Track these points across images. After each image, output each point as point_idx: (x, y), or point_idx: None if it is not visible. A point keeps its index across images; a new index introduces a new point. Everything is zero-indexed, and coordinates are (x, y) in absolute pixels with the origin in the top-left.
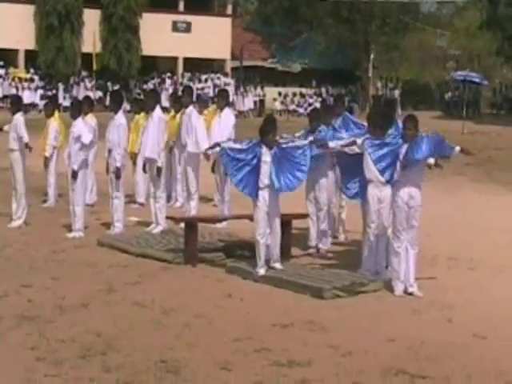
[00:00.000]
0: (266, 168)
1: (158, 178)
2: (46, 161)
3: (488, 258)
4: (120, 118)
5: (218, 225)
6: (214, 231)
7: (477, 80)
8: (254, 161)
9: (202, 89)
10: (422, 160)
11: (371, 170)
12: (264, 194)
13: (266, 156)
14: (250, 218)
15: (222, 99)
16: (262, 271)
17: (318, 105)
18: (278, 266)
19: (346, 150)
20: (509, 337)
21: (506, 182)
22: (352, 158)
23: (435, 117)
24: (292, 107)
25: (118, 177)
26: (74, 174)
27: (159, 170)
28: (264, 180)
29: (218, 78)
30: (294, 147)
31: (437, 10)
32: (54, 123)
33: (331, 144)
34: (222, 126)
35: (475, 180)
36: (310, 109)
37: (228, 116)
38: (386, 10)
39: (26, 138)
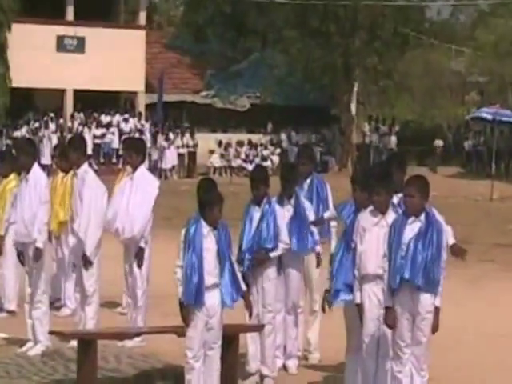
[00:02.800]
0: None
1: (38, 273)
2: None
3: None
4: None
5: (129, 342)
6: (121, 352)
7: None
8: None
9: (102, 136)
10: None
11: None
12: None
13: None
14: (178, 331)
15: (134, 153)
16: None
17: (274, 159)
18: None
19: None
20: None
21: None
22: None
23: (450, 175)
24: (237, 163)
25: None
26: None
27: (38, 254)
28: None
29: (126, 121)
30: None
31: (451, 17)
32: None
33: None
34: (139, 196)
35: (508, 269)
36: (266, 164)
37: (146, 179)
38: (376, 18)
39: None
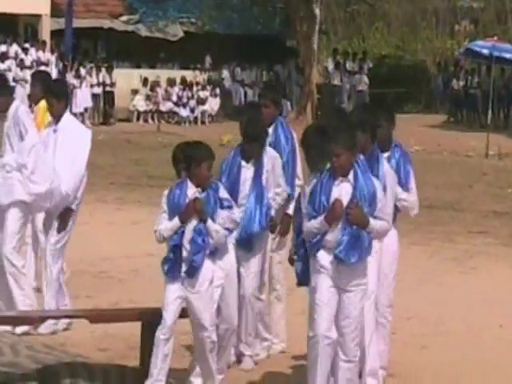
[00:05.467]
0: None
1: None
2: None
3: None
4: None
5: (34, 329)
6: (21, 342)
7: None
8: None
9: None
10: None
11: None
12: None
13: None
14: (90, 316)
15: (54, 98)
16: None
17: (213, 102)
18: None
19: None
20: None
21: None
22: None
23: (436, 125)
24: (167, 106)
25: None
26: None
27: None
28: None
29: (26, 52)
30: None
31: None
32: None
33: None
34: (67, 151)
35: (506, 243)
36: (203, 109)
37: (73, 130)
38: None
39: None
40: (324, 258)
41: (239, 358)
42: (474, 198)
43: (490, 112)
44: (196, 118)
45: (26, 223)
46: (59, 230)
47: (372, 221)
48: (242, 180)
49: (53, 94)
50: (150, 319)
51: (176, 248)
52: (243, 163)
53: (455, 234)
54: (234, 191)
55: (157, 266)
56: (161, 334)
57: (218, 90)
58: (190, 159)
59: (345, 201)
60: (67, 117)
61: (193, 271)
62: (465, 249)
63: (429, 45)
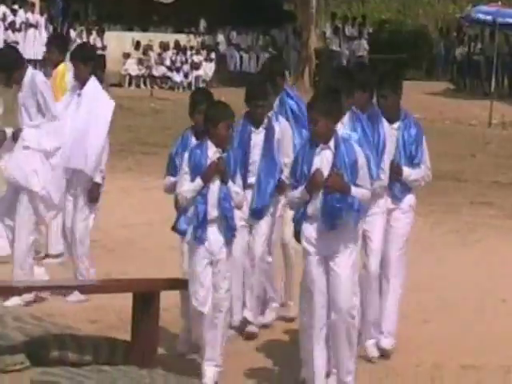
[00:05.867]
0: None
1: None
2: None
3: None
4: None
5: (15, 299)
6: (8, 313)
7: None
8: None
9: None
10: None
11: None
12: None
13: None
14: (83, 287)
15: (81, 62)
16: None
17: (208, 67)
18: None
19: None
20: None
21: None
22: None
23: (437, 92)
24: (160, 71)
25: None
26: None
27: None
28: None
29: (15, 13)
30: None
31: None
32: None
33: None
34: (90, 117)
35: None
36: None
37: (97, 97)
38: None
39: None
40: (308, 229)
41: (243, 324)
42: (476, 168)
43: (493, 79)
44: (190, 83)
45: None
46: (90, 206)
47: (353, 188)
48: (252, 145)
49: (80, 57)
50: (143, 290)
51: (200, 211)
52: (253, 129)
53: (457, 206)
54: (244, 158)
55: (150, 236)
56: (198, 304)
57: (212, 55)
58: (207, 119)
59: (326, 169)
60: (92, 82)
61: (231, 237)
62: (467, 221)
63: (430, 9)
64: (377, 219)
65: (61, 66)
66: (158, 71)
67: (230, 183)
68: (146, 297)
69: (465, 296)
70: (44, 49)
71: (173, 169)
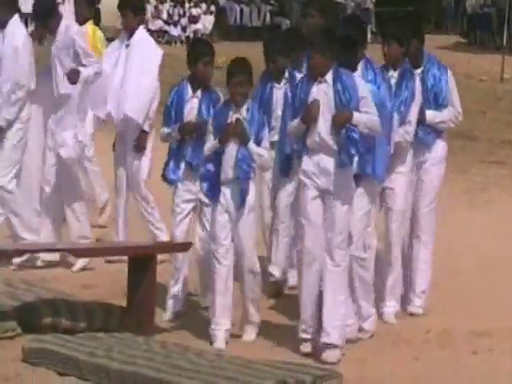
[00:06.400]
0: None
1: None
2: None
3: None
4: None
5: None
6: None
7: None
8: None
9: None
10: None
11: None
12: None
13: None
14: (75, 250)
15: (131, 11)
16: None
17: (207, 20)
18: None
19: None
20: None
21: None
22: None
23: (447, 46)
24: (157, 25)
25: None
26: None
27: None
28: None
29: None
30: None
31: None
32: None
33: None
34: (139, 67)
35: None
36: (195, 27)
37: (146, 47)
38: None
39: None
40: (307, 162)
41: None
42: (487, 125)
43: (505, 32)
44: (188, 37)
45: None
46: (138, 154)
47: (357, 114)
48: (274, 100)
49: (130, 6)
50: (139, 254)
51: (215, 171)
52: (275, 84)
53: (467, 165)
54: (267, 114)
55: None
56: (217, 263)
57: (212, 8)
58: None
59: (323, 101)
60: (141, 32)
61: (242, 199)
62: (477, 180)
63: None
64: (400, 178)
65: (90, 26)
66: (155, 25)
67: (252, 145)
68: (141, 260)
69: (474, 257)
70: None
71: (168, 119)
